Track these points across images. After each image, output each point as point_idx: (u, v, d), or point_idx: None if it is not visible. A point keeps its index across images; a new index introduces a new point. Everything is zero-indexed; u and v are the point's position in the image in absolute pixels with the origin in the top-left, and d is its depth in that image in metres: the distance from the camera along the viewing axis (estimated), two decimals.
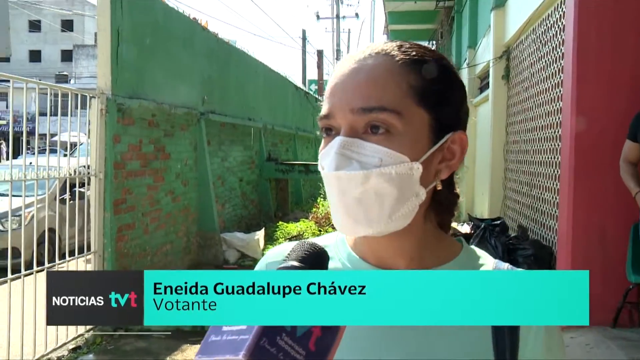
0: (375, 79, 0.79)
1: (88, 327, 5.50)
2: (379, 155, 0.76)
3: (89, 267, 5.65)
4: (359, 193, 0.77)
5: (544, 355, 0.82)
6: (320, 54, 27.98)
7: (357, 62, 0.81)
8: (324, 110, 0.83)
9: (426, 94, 0.80)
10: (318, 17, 32.88)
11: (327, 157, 0.79)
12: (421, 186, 0.80)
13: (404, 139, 0.78)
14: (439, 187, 0.84)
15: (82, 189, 5.58)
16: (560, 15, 5.60)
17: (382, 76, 0.79)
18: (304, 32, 28.16)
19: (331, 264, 0.71)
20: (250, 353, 0.54)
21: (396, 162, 0.77)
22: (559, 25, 5.69)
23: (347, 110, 0.78)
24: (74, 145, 6.00)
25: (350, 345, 0.77)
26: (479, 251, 0.91)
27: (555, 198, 5.65)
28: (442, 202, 0.87)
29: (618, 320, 4.40)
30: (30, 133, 12.08)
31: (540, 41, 6.48)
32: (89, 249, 5.58)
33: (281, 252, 0.96)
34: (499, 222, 6.77)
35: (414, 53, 0.82)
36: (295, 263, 0.66)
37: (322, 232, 9.59)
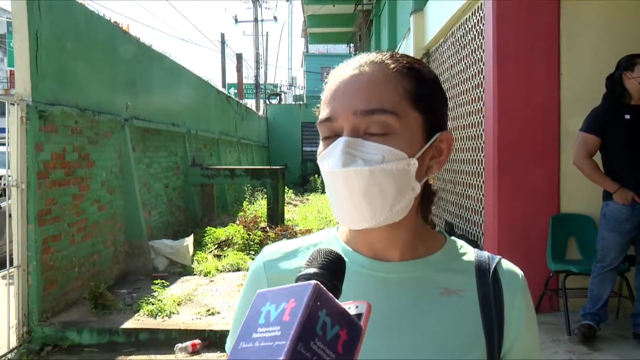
0: (374, 84, 0.86)
1: (12, 345, 5.26)
2: (381, 152, 0.83)
3: (12, 283, 5.41)
4: (365, 187, 0.83)
5: (524, 329, 0.93)
6: (239, 57, 27.80)
7: (354, 69, 0.88)
8: (324, 114, 0.88)
9: (419, 97, 0.88)
10: (236, 20, 32.64)
11: (331, 156, 0.85)
12: (416, 180, 0.88)
13: (402, 138, 0.85)
14: (431, 182, 0.95)
15: None
16: (478, 19, 5.88)
17: (381, 82, 0.87)
18: (222, 35, 27.88)
19: None
20: (289, 358, 0.55)
21: (396, 159, 0.84)
22: (477, 29, 5.96)
23: (350, 113, 0.85)
24: None
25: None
26: (460, 241, 1.00)
27: (479, 194, 5.91)
28: (427, 197, 0.97)
29: (540, 306, 4.68)
30: None
31: (460, 44, 6.76)
32: (11, 263, 5.33)
33: (278, 249, 1.00)
34: None
35: (405, 62, 0.90)
36: (317, 270, 0.68)
37: (250, 235, 9.57)
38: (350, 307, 0.64)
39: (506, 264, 0.96)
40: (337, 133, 0.86)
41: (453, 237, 1.01)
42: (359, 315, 0.63)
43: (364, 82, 0.86)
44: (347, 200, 0.85)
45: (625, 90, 4.06)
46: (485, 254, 0.97)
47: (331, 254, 0.71)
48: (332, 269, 0.69)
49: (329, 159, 0.85)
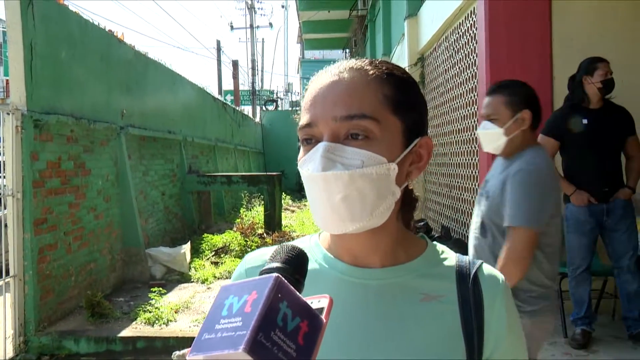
0: (354, 89, 0.87)
1: (9, 356, 5.25)
2: (361, 157, 0.84)
3: (7, 294, 5.39)
4: (344, 191, 0.83)
5: (506, 334, 0.92)
6: (235, 64, 27.86)
7: (334, 75, 0.89)
8: (304, 120, 0.88)
9: (398, 103, 0.88)
10: (232, 27, 32.74)
11: (311, 161, 0.85)
12: (396, 185, 0.88)
13: (381, 143, 0.85)
14: (410, 187, 0.95)
15: None
16: (471, 24, 5.90)
17: (359, 87, 0.87)
18: (218, 42, 27.93)
19: (308, 266, 0.74)
20: (249, 347, 0.56)
21: (376, 164, 0.84)
22: (470, 34, 5.99)
23: (330, 119, 0.85)
24: None
25: (333, 338, 0.83)
26: (441, 246, 1.00)
27: (474, 198, 5.91)
28: (408, 203, 0.97)
29: None
30: None
31: (453, 48, 6.79)
32: (7, 273, 5.32)
33: (260, 256, 1.00)
34: (422, 223, 7.01)
35: (384, 68, 0.91)
36: (280, 264, 0.69)
37: (247, 242, 9.56)
38: (313, 302, 0.65)
39: (487, 268, 0.95)
40: (317, 139, 0.87)
41: (435, 242, 1.00)
42: (320, 310, 0.64)
43: (344, 88, 0.86)
44: (327, 205, 0.85)
45: (585, 95, 4.15)
46: (466, 258, 0.96)
47: (294, 250, 0.72)
48: (294, 264, 0.70)
49: (309, 164, 0.85)
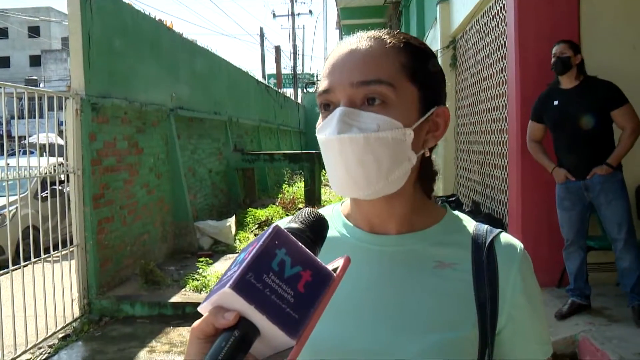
0: (371, 56, 0.84)
1: (76, 315, 5.47)
2: (377, 122, 0.81)
3: (72, 261, 5.60)
4: (360, 155, 0.81)
5: (523, 304, 0.87)
6: (277, 49, 27.85)
7: (352, 44, 0.87)
8: (322, 86, 0.86)
9: (415, 71, 0.86)
10: (274, 15, 32.67)
11: (328, 126, 0.83)
12: (412, 151, 0.85)
13: (398, 109, 0.83)
14: (427, 154, 0.90)
15: (55, 187, 5.51)
16: (501, 6, 5.75)
17: (377, 55, 0.85)
18: (261, 29, 27.96)
19: (328, 233, 0.71)
20: (235, 285, 0.55)
21: (391, 128, 0.81)
22: (500, 17, 5.84)
23: (347, 85, 0.83)
24: (50, 146, 5.90)
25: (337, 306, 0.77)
26: (462, 215, 0.95)
27: (504, 174, 5.83)
28: (426, 172, 0.93)
29: (562, 280, 4.61)
30: (1, 136, 11.75)
31: (484, 31, 6.63)
32: (71, 242, 5.52)
33: (287, 222, 1.00)
34: (453, 198, 6.95)
35: (402, 38, 0.88)
36: (298, 225, 0.67)
37: (289, 216, 9.63)
38: (331, 265, 0.63)
39: (505, 237, 0.90)
40: (335, 105, 0.84)
41: (456, 212, 0.96)
42: (335, 269, 0.62)
43: (361, 56, 0.84)
44: (342, 168, 0.82)
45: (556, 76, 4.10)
46: (485, 227, 0.91)
47: (313, 214, 0.69)
48: (311, 226, 0.67)
49: (326, 129, 0.83)
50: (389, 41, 0.86)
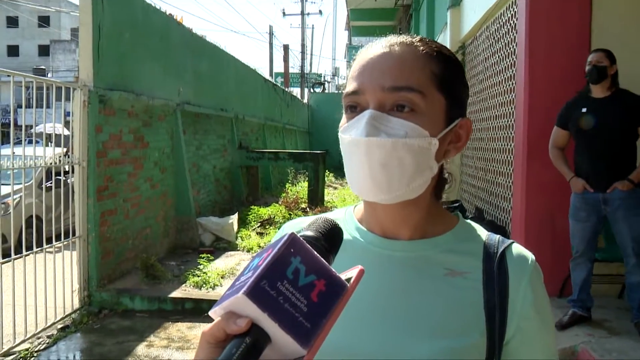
0: (403, 62, 0.84)
1: (75, 307, 5.47)
2: (405, 128, 0.81)
3: (74, 252, 5.61)
4: (385, 159, 0.80)
5: (532, 316, 0.86)
6: (286, 48, 27.86)
7: (385, 47, 0.86)
8: (351, 87, 0.85)
9: (444, 81, 0.85)
10: (284, 13, 32.74)
11: (355, 127, 0.82)
12: (434, 161, 0.84)
13: (425, 117, 0.82)
14: (447, 166, 0.91)
15: (59, 177, 5.51)
16: (512, 14, 5.73)
17: (409, 61, 0.84)
18: (270, 27, 27.98)
19: None
20: (250, 291, 0.55)
21: (419, 136, 0.81)
22: (510, 24, 5.82)
23: (378, 88, 0.82)
24: (56, 136, 5.91)
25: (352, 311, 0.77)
26: (474, 224, 0.95)
27: (509, 182, 5.80)
28: (441, 181, 0.93)
29: (564, 290, 4.59)
30: (8, 124, 11.79)
31: (494, 38, 6.61)
32: (73, 233, 5.53)
33: (297, 224, 0.98)
34: (457, 204, 6.92)
35: (434, 46, 0.87)
36: (313, 233, 0.66)
37: (292, 215, 9.63)
38: (344, 274, 0.62)
39: (517, 248, 0.90)
40: (363, 107, 0.84)
41: (468, 221, 0.96)
42: (349, 280, 0.61)
43: (394, 61, 0.84)
44: (366, 171, 0.82)
45: (588, 84, 4.02)
46: (497, 237, 0.91)
47: (329, 222, 0.69)
48: (326, 235, 0.67)
49: (352, 130, 0.83)
50: (421, 48, 0.86)
